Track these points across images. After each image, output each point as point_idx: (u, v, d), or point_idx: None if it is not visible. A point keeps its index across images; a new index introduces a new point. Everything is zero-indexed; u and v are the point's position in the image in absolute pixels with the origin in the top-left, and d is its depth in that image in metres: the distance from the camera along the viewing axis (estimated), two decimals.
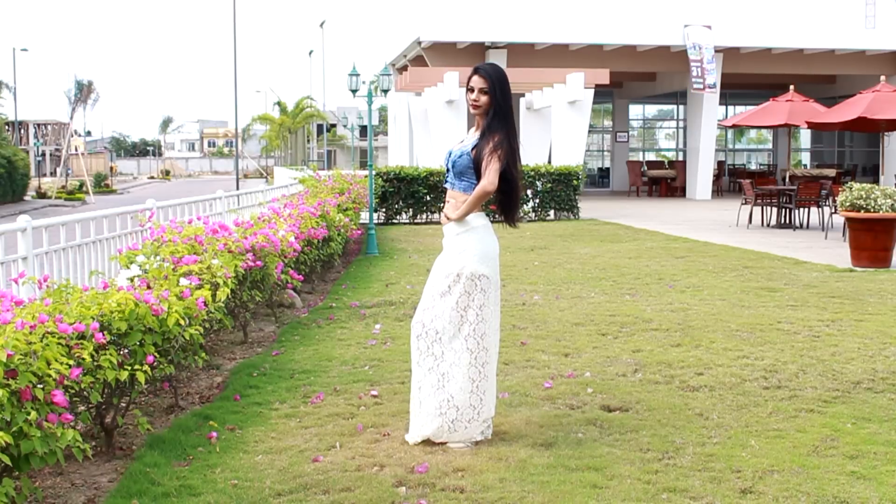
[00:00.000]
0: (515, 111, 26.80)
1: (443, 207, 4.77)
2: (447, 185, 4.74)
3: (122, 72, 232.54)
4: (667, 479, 4.08)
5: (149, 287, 5.18)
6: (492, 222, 4.80)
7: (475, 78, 4.64)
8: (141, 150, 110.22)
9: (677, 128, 37.40)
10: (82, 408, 4.52)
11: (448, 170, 4.73)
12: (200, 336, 5.04)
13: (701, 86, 26.62)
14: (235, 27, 43.77)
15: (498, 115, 4.62)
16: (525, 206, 19.71)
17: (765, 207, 17.61)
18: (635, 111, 37.08)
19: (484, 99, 4.61)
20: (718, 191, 31.10)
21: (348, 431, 4.86)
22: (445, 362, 4.61)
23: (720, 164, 34.57)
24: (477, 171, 4.59)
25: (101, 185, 51.74)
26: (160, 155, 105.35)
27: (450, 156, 4.72)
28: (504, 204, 4.78)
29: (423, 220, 19.48)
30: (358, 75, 14.88)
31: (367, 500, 3.89)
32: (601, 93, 28.92)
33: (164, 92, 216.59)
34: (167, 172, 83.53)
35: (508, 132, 4.61)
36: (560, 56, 26.89)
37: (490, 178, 4.52)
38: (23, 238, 6.33)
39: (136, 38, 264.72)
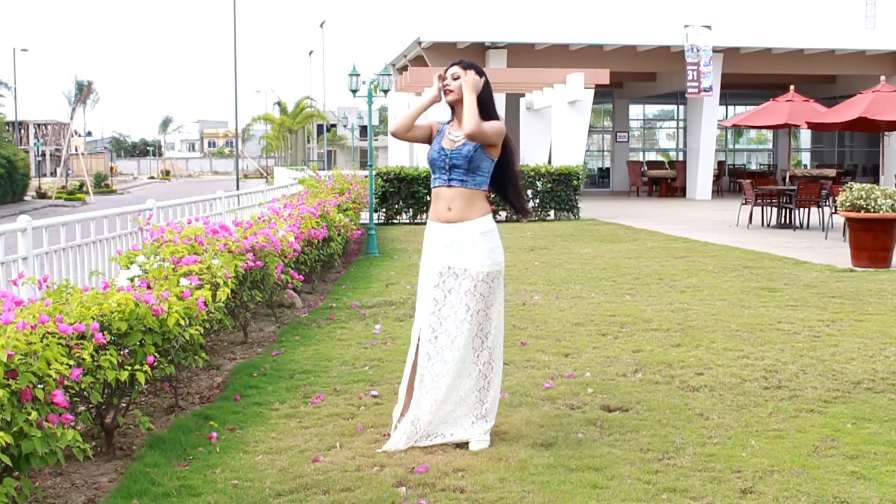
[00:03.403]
0: (515, 111, 27.02)
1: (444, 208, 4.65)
2: (452, 183, 4.61)
3: (122, 72, 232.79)
4: (667, 479, 4.08)
5: (149, 287, 5.18)
6: (499, 222, 4.82)
7: (452, 67, 4.70)
8: (141, 150, 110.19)
9: (677, 128, 37.40)
10: (82, 408, 4.52)
11: (450, 167, 4.62)
12: (200, 336, 5.04)
13: (696, 90, 26.67)
14: (235, 27, 43.79)
15: (484, 109, 4.64)
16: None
17: (765, 207, 17.61)
18: (635, 111, 37.08)
19: (456, 84, 4.63)
20: (718, 191, 31.10)
21: (348, 431, 4.86)
22: (481, 360, 4.62)
23: (720, 164, 34.57)
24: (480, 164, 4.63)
25: (102, 185, 51.70)
26: (160, 155, 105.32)
27: (447, 152, 4.62)
28: (506, 192, 4.83)
29: (424, 220, 19.48)
30: (358, 75, 14.88)
31: (367, 500, 3.89)
32: (601, 93, 28.92)
33: (164, 92, 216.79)
34: (167, 172, 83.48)
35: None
36: (560, 56, 26.89)
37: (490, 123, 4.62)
38: (23, 238, 6.33)
39: (136, 38, 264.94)
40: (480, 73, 4.67)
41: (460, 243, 4.59)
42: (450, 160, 4.63)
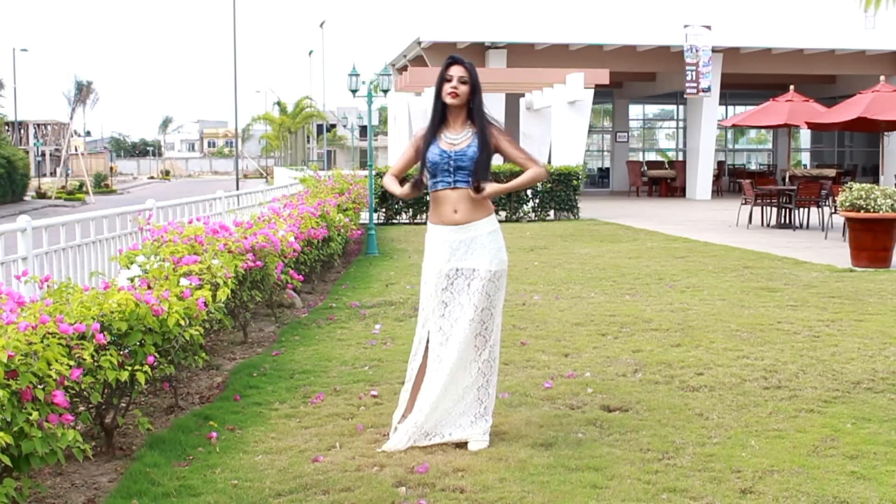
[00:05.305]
0: (515, 111, 27.04)
1: (453, 210, 4.62)
2: (457, 185, 4.60)
3: (122, 72, 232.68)
4: (667, 479, 4.08)
5: (149, 287, 5.18)
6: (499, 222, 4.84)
7: (455, 67, 4.61)
8: (141, 150, 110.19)
9: (677, 128, 37.40)
10: (82, 408, 4.52)
11: (455, 169, 4.59)
12: (200, 336, 5.04)
13: (695, 90, 26.70)
14: (235, 27, 43.81)
15: (481, 111, 4.68)
16: (525, 206, 19.72)
17: (765, 207, 17.61)
18: (635, 111, 37.08)
19: (464, 88, 4.60)
20: (718, 191, 31.10)
21: (348, 431, 4.86)
22: (482, 358, 4.62)
23: (720, 164, 34.58)
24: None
25: (101, 185, 51.67)
26: (160, 155, 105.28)
27: (450, 154, 4.59)
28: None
29: (423, 220, 19.49)
30: (358, 75, 14.88)
31: (367, 500, 3.89)
32: (601, 93, 28.92)
33: (164, 92, 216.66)
34: (167, 172, 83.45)
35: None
36: (560, 56, 26.89)
37: (539, 163, 4.80)
38: (23, 238, 6.32)
39: (136, 38, 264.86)
40: (476, 79, 4.66)
41: (469, 244, 4.60)
42: (455, 162, 4.60)
